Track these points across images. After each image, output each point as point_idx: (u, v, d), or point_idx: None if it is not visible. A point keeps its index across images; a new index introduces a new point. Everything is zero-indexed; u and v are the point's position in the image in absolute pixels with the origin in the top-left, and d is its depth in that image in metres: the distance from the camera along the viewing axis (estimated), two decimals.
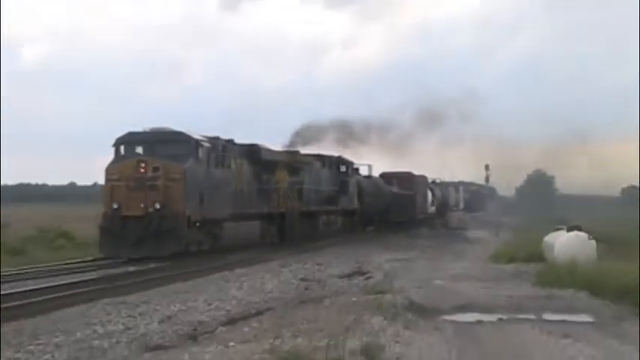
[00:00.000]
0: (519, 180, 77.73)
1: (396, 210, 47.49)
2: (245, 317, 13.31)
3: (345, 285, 18.12)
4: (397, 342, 10.12)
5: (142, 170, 21.94)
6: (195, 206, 22.80)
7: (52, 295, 15.08)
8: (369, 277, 19.60)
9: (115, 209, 21.87)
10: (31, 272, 19.71)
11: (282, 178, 30.52)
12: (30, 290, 15.79)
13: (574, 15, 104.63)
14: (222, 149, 25.36)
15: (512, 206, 73.25)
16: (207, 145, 24.06)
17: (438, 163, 60.35)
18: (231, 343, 10.27)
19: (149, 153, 22.73)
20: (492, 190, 78.78)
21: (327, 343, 9.43)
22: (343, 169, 38.23)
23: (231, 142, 27.06)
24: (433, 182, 59.47)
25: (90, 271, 20.50)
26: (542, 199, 64.36)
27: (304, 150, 36.34)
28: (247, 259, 23.92)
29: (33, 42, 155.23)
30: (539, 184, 74.48)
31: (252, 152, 28.44)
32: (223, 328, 12.16)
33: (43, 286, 16.90)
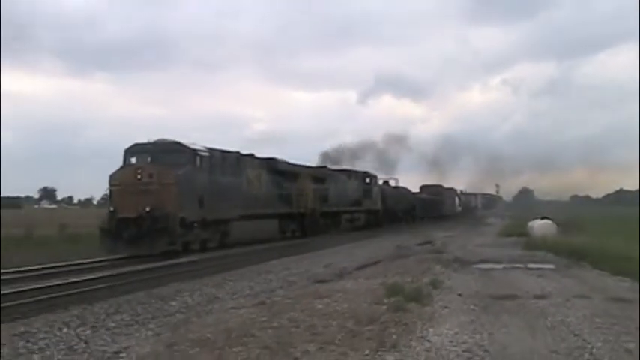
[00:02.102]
0: (514, 192, 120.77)
1: (425, 210, 64.32)
2: (367, 265, 18.35)
3: (420, 249, 24.31)
4: (449, 279, 14.73)
5: (139, 177, 22.80)
6: (193, 208, 23.69)
7: (257, 256, 22.58)
8: (434, 244, 26.60)
9: (112, 211, 22.84)
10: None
11: (306, 185, 35.54)
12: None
13: (543, 100, 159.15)
14: (234, 160, 27.39)
15: (510, 207, 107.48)
16: (205, 154, 25.04)
17: (467, 181, 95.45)
18: (360, 279, 15.01)
19: (152, 161, 23.86)
20: (500, 198, 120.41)
21: (411, 279, 14.15)
22: (368, 180, 47.30)
23: (250, 155, 29.94)
24: (461, 192, 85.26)
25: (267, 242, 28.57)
26: (526, 203, 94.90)
27: (346, 166, 48.65)
28: (360, 238, 33.52)
29: None
30: (525, 195, 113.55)
31: (270, 164, 32.09)
32: (356, 271, 17.04)
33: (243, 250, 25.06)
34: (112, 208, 23.06)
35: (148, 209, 22.18)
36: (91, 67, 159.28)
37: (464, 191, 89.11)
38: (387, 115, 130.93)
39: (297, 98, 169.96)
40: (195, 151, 24.65)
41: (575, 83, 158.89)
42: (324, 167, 44.24)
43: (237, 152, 28.15)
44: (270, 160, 32.47)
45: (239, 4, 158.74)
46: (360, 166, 52.70)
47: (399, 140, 67.75)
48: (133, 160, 24.34)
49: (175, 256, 21.87)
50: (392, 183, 58.43)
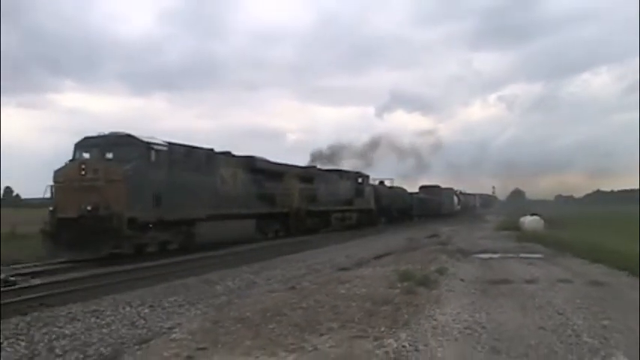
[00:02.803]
0: (508, 193, 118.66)
1: (423, 209, 58.27)
2: (382, 256, 18.21)
3: (428, 242, 24.07)
4: (453, 267, 14.62)
5: (83, 172, 17.95)
6: (147, 207, 18.60)
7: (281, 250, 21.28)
8: (439, 237, 26.28)
9: (52, 211, 18.18)
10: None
11: (291, 184, 29.81)
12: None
13: (534, 115, 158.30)
14: (203, 157, 21.83)
15: (505, 205, 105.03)
16: (162, 148, 19.67)
17: (468, 183, 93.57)
18: (377, 267, 14.94)
19: (101, 156, 18.89)
20: (496, 198, 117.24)
21: (420, 267, 14.09)
22: (360, 180, 40.96)
23: (225, 153, 24.66)
24: (460, 192, 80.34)
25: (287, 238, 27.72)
26: (518, 202, 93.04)
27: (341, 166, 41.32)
28: (374, 232, 33.26)
29: None
30: (517, 195, 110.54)
31: (249, 163, 26.29)
32: (373, 260, 16.90)
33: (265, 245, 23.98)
34: (51, 208, 18.31)
35: (89, 208, 17.44)
36: (151, 88, 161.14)
37: (463, 191, 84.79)
38: (400, 127, 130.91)
39: (324, 112, 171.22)
40: (148, 144, 19.25)
41: (561, 100, 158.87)
42: (313, 167, 37.65)
43: (210, 149, 22.81)
44: (249, 159, 26.88)
45: (276, 34, 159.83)
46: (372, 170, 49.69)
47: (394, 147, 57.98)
48: (85, 156, 19.17)
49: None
50: (387, 183, 52.28)
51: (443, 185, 72.49)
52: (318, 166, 38.52)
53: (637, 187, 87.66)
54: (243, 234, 24.34)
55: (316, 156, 42.46)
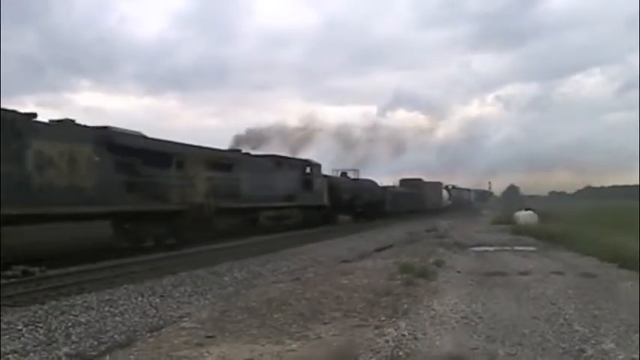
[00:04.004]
0: (503, 188, 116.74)
1: (400, 204, 49.27)
2: (384, 248, 18.27)
3: (427, 235, 24.20)
4: (450, 259, 14.60)
5: None
6: None
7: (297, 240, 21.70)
8: (437, 231, 26.16)
9: None
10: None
11: (193, 172, 20.64)
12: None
13: (529, 114, 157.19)
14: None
15: (500, 201, 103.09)
16: None
17: (467, 179, 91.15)
18: (378, 259, 14.94)
19: None
20: (491, 193, 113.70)
21: (419, 259, 14.06)
22: (307, 170, 31.83)
23: (53, 123, 15.68)
24: (452, 187, 75.66)
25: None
26: (514, 198, 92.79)
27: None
28: (381, 225, 32.90)
29: None
30: (512, 190, 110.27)
31: (104, 138, 16.79)
32: (375, 253, 17.00)
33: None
34: None
35: None
36: (164, 88, 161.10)
37: (456, 186, 79.78)
38: (400, 125, 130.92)
39: (328, 111, 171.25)
40: None
41: (555, 100, 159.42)
42: (237, 150, 27.82)
43: (14, 111, 14.02)
44: (101, 131, 16.96)
45: (284, 38, 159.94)
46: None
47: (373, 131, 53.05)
48: None
49: None
50: (351, 175, 43.22)
51: (444, 181, 70.19)
52: (246, 151, 28.86)
53: (626, 183, 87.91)
54: (84, 243, 15.20)
55: (241, 140, 32.62)
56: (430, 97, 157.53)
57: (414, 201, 54.64)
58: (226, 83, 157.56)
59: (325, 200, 33.77)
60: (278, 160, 29.29)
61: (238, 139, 32.51)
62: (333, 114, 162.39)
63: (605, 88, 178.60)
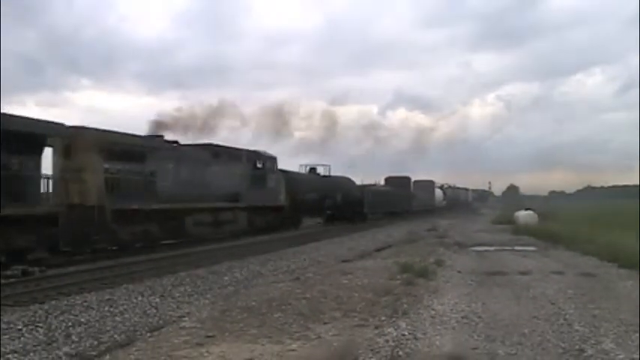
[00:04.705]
0: (503, 188, 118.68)
1: (382, 205, 42.73)
2: (384, 248, 18.30)
3: (427, 234, 24.11)
4: (450, 259, 14.70)
5: None
6: None
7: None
8: (437, 231, 26.02)
9: None
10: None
11: (81, 163, 15.45)
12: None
13: (530, 114, 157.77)
14: None
15: (500, 200, 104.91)
16: None
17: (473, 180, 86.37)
18: (378, 259, 15.02)
19: None
20: (491, 193, 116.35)
21: (419, 259, 14.00)
22: (258, 164, 25.68)
23: None
24: (448, 186, 72.12)
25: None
26: (513, 197, 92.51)
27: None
28: (383, 224, 32.38)
29: None
30: (512, 190, 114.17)
31: None
32: (375, 252, 16.95)
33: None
34: None
35: None
36: (164, 87, 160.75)
37: (453, 185, 75.55)
38: (401, 124, 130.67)
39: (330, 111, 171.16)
40: None
41: (555, 100, 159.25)
42: (159, 137, 21.09)
43: None
44: None
45: (285, 37, 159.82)
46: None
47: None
48: None
49: None
50: (321, 171, 36.53)
51: (444, 180, 68.27)
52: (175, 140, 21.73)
53: (626, 183, 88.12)
54: None
55: (161, 125, 23.01)
56: (431, 97, 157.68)
57: (399, 201, 48.58)
58: (227, 82, 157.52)
59: (282, 200, 27.64)
60: (215, 151, 22.84)
61: (158, 125, 22.66)
62: (335, 113, 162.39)
63: (605, 87, 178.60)
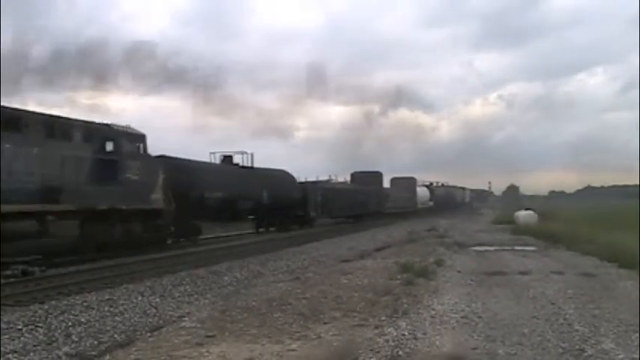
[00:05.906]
0: (503, 188, 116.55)
1: (333, 206, 35.28)
2: (384, 248, 18.31)
3: (427, 234, 24.13)
4: (450, 259, 14.79)
5: None
6: None
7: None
8: (437, 231, 26.10)
9: None
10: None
11: None
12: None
13: (531, 113, 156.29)
14: None
15: (500, 200, 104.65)
16: None
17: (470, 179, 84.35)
18: (378, 259, 15.05)
19: None
20: (491, 193, 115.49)
21: (419, 259, 14.15)
22: (111, 146, 16.75)
23: None
24: (439, 184, 68.49)
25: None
26: (513, 197, 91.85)
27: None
28: (383, 224, 32.28)
29: None
30: (512, 190, 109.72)
31: None
32: (375, 252, 16.96)
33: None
34: None
35: None
36: (165, 86, 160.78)
37: (445, 184, 70.18)
38: (402, 124, 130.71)
39: (331, 110, 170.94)
40: None
41: (557, 100, 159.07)
42: None
43: None
44: None
45: (288, 36, 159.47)
46: None
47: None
48: None
49: None
50: (238, 159, 27.55)
51: (444, 180, 66.04)
52: None
53: (626, 183, 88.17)
54: None
55: None
56: (432, 96, 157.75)
57: (366, 202, 41.05)
58: (228, 82, 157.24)
59: (156, 200, 18.48)
60: (14, 116, 13.75)
61: None
62: (335, 113, 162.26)
63: (607, 87, 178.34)
